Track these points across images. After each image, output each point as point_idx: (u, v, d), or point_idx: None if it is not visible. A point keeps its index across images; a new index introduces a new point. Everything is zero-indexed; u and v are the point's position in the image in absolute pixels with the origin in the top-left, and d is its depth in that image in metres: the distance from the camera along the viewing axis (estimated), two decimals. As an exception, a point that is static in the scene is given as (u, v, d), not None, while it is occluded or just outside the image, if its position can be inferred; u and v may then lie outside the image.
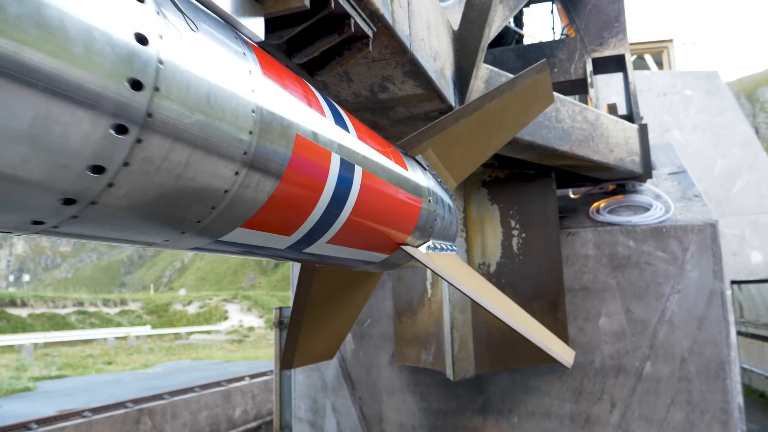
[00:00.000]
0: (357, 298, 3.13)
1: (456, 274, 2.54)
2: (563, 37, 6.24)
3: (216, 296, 57.46)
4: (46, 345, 34.81)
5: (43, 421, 7.43)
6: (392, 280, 4.61)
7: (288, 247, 1.55)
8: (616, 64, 5.81)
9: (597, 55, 5.69)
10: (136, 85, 0.86)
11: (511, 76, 4.00)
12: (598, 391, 4.34)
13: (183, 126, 0.97)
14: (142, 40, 0.87)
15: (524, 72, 2.70)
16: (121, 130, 0.86)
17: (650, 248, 4.51)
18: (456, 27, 3.28)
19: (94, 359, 30.91)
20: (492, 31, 3.43)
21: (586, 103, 6.26)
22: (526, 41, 7.32)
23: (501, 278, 4.23)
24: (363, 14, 1.89)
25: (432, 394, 4.60)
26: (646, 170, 4.94)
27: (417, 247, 2.33)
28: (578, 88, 5.95)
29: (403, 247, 2.17)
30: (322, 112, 1.52)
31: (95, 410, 8.17)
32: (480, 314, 3.96)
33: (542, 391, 4.42)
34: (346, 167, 1.56)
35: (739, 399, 4.26)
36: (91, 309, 46.66)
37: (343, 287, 2.90)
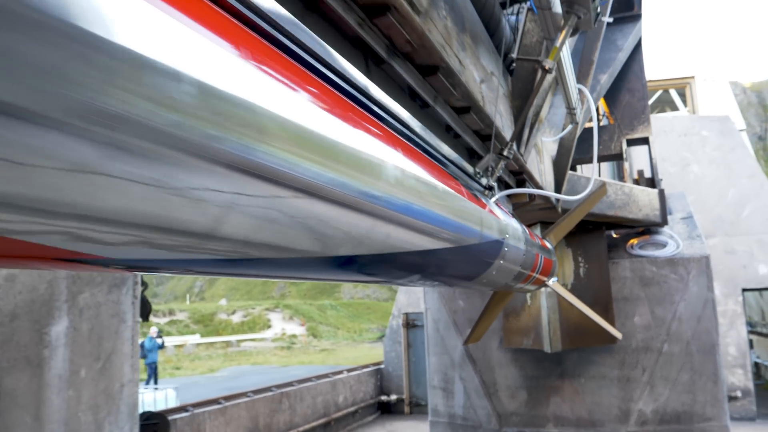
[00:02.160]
0: (501, 305, 5.79)
1: (561, 291, 5.23)
2: (605, 121, 8.89)
3: (259, 305, 60.31)
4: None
5: (226, 398, 10.26)
6: (501, 294, 7.27)
7: (515, 286, 4.21)
8: (643, 141, 8.41)
9: (629, 137, 8.30)
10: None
11: (580, 175, 6.67)
12: (634, 362, 6.94)
13: (512, 256, 3.65)
14: (501, 237, 3.55)
15: (593, 191, 5.36)
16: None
17: (666, 272, 7.10)
18: (553, 154, 5.95)
19: (161, 365, 33.94)
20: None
21: (622, 168, 8.88)
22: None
23: (574, 293, 6.86)
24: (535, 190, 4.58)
25: (528, 366, 7.26)
26: (664, 220, 7.53)
27: (549, 280, 5.00)
28: (617, 157, 8.57)
29: (547, 282, 4.82)
30: (531, 236, 4.18)
31: (255, 392, 11.01)
32: (563, 313, 6.61)
33: (599, 363, 7.04)
34: (539, 257, 4.22)
35: (722, 369, 6.81)
36: (143, 319, 49.94)
37: (500, 299, 5.56)
